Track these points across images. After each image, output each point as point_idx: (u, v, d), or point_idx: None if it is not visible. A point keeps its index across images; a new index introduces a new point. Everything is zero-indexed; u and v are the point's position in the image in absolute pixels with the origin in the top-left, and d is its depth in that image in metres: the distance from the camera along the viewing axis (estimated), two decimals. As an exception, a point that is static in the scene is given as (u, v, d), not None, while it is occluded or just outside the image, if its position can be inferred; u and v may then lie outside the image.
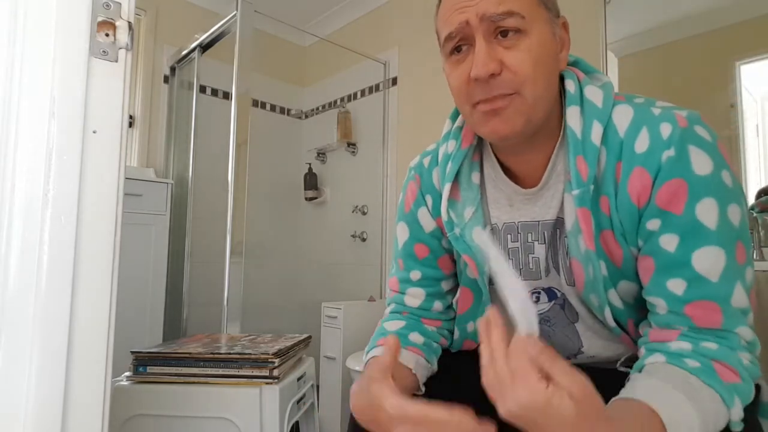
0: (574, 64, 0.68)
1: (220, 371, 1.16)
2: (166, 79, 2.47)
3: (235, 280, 1.79)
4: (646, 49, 1.66)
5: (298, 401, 1.26)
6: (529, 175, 0.67)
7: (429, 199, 0.75)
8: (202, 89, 2.46)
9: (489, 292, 0.71)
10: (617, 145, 0.59)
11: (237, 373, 1.15)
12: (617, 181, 0.59)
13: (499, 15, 0.57)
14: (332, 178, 2.83)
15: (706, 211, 0.54)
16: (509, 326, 0.47)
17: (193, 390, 1.14)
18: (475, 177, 0.71)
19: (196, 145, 2.32)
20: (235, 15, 1.89)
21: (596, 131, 0.59)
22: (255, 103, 2.81)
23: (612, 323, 0.64)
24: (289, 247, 2.94)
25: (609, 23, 1.69)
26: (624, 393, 0.53)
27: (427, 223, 0.76)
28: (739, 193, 0.56)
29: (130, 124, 2.37)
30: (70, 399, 0.55)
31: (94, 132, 0.58)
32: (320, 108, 2.96)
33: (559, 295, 0.69)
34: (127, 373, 1.18)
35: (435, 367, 0.74)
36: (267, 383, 1.15)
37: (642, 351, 0.59)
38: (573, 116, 0.61)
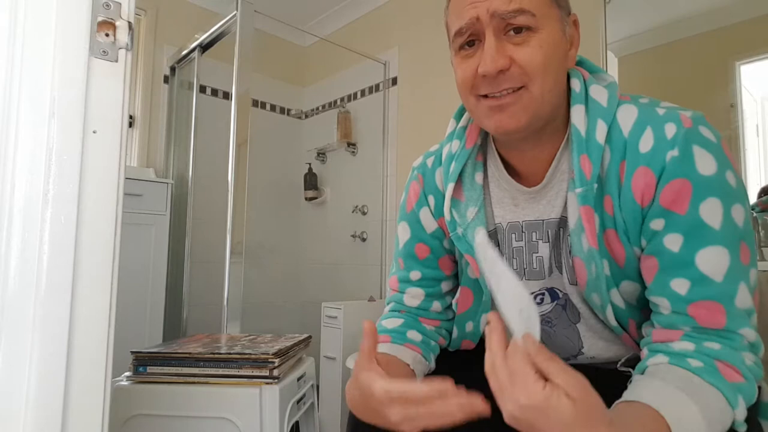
0: (579, 63, 0.68)
1: (220, 371, 1.15)
2: (166, 79, 2.47)
3: (235, 280, 1.79)
4: (646, 49, 1.66)
5: (298, 401, 1.26)
6: (533, 173, 0.67)
7: (432, 200, 0.75)
8: (202, 89, 2.46)
9: (490, 293, 0.71)
10: (621, 144, 0.59)
11: (237, 373, 1.15)
12: (621, 181, 0.59)
13: (509, 12, 0.57)
14: (332, 178, 2.83)
15: (711, 211, 0.54)
16: (509, 329, 0.47)
17: (193, 390, 1.14)
18: (479, 177, 0.71)
19: (196, 145, 2.32)
20: (235, 15, 1.89)
21: (601, 130, 0.59)
22: (255, 103, 2.81)
23: (614, 322, 0.64)
24: (289, 247, 2.94)
25: (609, 23, 1.69)
26: (627, 395, 0.53)
27: (429, 224, 0.76)
28: (743, 194, 0.56)
29: (130, 124, 2.37)
30: (70, 399, 0.55)
31: (94, 132, 0.58)
32: (320, 108, 2.95)
33: (561, 295, 0.69)
34: (127, 373, 1.18)
35: (433, 365, 0.74)
36: (267, 383, 1.14)
37: (644, 352, 0.59)
38: (577, 115, 0.61)
